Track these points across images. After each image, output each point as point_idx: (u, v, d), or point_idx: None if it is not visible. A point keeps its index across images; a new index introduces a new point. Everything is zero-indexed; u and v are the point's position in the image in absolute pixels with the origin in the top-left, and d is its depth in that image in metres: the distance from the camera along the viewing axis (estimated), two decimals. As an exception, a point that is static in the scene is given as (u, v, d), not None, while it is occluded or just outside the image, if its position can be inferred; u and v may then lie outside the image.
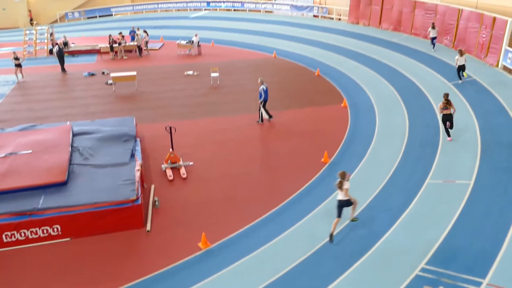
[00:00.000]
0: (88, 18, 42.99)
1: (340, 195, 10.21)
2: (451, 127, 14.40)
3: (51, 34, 29.65)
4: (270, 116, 17.42)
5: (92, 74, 24.86)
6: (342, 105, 19.06)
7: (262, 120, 17.35)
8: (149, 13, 43.60)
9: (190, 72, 24.69)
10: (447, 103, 14.09)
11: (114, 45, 28.28)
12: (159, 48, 31.27)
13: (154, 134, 16.46)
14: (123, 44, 28.49)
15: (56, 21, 42.49)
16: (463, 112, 17.21)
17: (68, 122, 16.04)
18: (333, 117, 17.85)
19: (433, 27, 25.23)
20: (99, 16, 42.98)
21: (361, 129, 16.48)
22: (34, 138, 14.00)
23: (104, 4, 43.76)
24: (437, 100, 18.56)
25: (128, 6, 43.33)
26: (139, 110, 19.11)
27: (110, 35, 29.07)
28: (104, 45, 29.16)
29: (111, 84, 22.38)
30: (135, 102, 20.27)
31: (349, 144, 15.39)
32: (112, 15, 43.13)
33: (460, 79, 20.12)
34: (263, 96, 17.02)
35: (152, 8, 43.83)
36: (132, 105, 19.83)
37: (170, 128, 14.35)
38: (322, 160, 14.25)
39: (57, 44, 24.91)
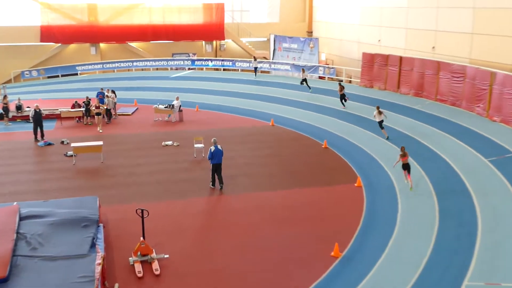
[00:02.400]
0: (49, 77, 44.20)
1: None
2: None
3: (4, 97, 30.25)
4: (213, 184, 18.99)
5: (49, 144, 25.05)
6: (356, 184, 19.11)
7: (213, 184, 18.98)
8: (122, 72, 44.94)
9: (169, 143, 24.95)
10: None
11: (78, 109, 29.00)
12: (133, 113, 31.86)
13: (121, 218, 16.24)
14: (91, 108, 29.13)
15: (9, 81, 43.58)
16: (504, 194, 17.24)
17: (14, 203, 15.84)
18: (345, 199, 17.83)
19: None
20: (62, 76, 44.25)
21: (380, 215, 16.37)
22: (-30, 222, 13.73)
23: (68, 62, 45.20)
24: (472, 180, 18.66)
25: (97, 64, 44.73)
26: (104, 188, 19.03)
27: (76, 101, 29.86)
28: (65, 109, 29.71)
29: (71, 155, 22.49)
30: (100, 178, 20.23)
31: (365, 233, 15.20)
32: (77, 74, 44.40)
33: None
34: (211, 158, 18.56)
35: (125, 67, 45.29)
36: (95, 182, 19.77)
37: (142, 211, 14.18)
38: (332, 253, 13.99)
39: (38, 108, 25.61)
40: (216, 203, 17.65)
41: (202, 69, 44.87)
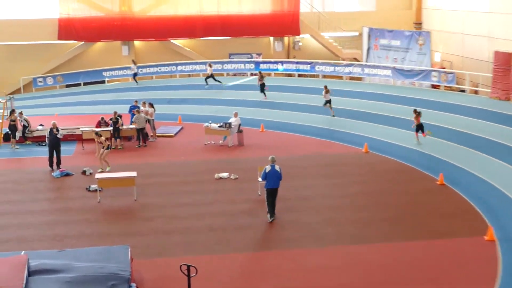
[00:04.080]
0: (68, 86, 45.95)
1: None
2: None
3: (11, 112, 31.58)
4: (271, 216, 20.21)
5: (67, 174, 25.89)
6: (486, 237, 18.63)
7: (272, 216, 20.27)
8: (162, 78, 46.06)
9: (225, 175, 25.27)
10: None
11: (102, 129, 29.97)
12: (176, 133, 32.58)
13: (160, 276, 16.48)
14: (120, 127, 30.00)
15: (18, 91, 45.65)
16: None
17: (22, 252, 16.38)
18: (469, 259, 17.39)
19: None
20: (85, 84, 45.88)
21: (521, 282, 15.87)
22: (-34, 276, 14.33)
23: (93, 66, 46.87)
24: None
25: (130, 68, 45.99)
26: (138, 235, 19.42)
27: (102, 118, 30.92)
28: (88, 128, 30.75)
29: (96, 190, 23.16)
30: (133, 222, 20.65)
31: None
32: (104, 81, 45.90)
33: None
34: (265, 179, 19.93)
35: (167, 72, 46.43)
36: (126, 227, 20.20)
37: (188, 267, 14.35)
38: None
39: (55, 126, 26.74)
40: (289, 260, 17.61)
41: (269, 74, 45.30)
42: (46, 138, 27.24)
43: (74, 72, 46.15)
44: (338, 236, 19.20)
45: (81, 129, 30.89)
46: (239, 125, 30.39)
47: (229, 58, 47.41)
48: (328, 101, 34.01)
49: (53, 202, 23.05)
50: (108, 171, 25.38)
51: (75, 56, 47.21)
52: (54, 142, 26.70)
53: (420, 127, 28.51)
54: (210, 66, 42.09)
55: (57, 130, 26.83)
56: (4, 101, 34.41)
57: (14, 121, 30.93)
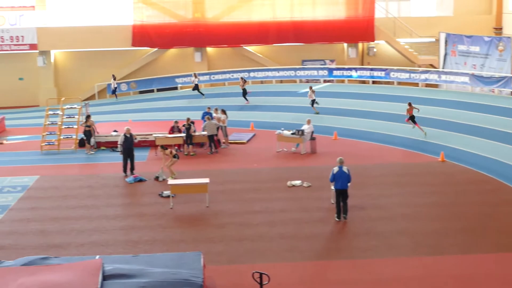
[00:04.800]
0: (141, 92, 47.00)
1: None
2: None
3: (87, 118, 32.44)
4: (338, 216, 21.13)
5: (140, 180, 26.54)
6: None
7: (339, 217, 21.13)
8: (235, 85, 46.43)
9: (297, 183, 25.34)
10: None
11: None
12: (248, 140, 32.92)
13: (233, 284, 16.66)
14: (193, 134, 30.45)
15: (92, 97, 46.99)
16: None
17: (97, 256, 16.87)
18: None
19: None
20: (158, 90, 46.83)
21: None
22: (44, 279, 14.73)
23: (166, 72, 47.78)
24: None
25: (203, 74, 46.65)
26: (210, 241, 19.68)
27: (175, 123, 31.44)
28: (161, 134, 31.36)
29: (168, 196, 23.57)
30: (204, 228, 20.97)
31: None
32: (177, 88, 46.69)
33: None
34: (333, 181, 20.96)
35: (238, 79, 46.79)
36: (199, 233, 20.52)
37: (261, 275, 14.45)
38: None
39: (129, 132, 27.47)
40: (363, 270, 17.51)
41: (343, 81, 45.15)
42: (119, 145, 27.73)
43: (148, 79, 47.11)
44: (414, 247, 19.01)
45: (154, 135, 31.50)
46: (312, 132, 30.42)
47: (302, 65, 47.47)
48: (313, 101, 37.07)
49: (127, 207, 23.61)
50: (174, 178, 25.78)
51: (148, 63, 48.12)
52: (128, 148, 27.34)
53: (411, 118, 31.56)
54: (196, 76, 43.29)
55: (131, 136, 27.44)
56: (79, 107, 35.53)
57: (89, 126, 31.78)
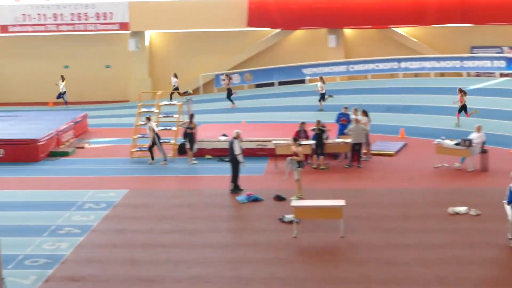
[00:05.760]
0: (258, 86, 47.40)
1: None
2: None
3: (191, 118, 32.48)
4: None
5: (255, 199, 26.51)
6: None
7: None
8: (380, 79, 46.06)
9: (462, 209, 24.73)
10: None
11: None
12: (397, 151, 32.51)
13: None
14: (325, 140, 30.30)
15: (196, 90, 47.76)
16: None
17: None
18: None
19: None
20: (280, 84, 47.16)
21: None
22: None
23: (290, 61, 47.96)
24: None
25: (338, 64, 46.54)
26: (344, 282, 19.42)
27: (301, 126, 31.23)
28: (282, 140, 31.17)
29: (291, 222, 23.48)
30: (337, 265, 20.67)
31: None
32: (304, 81, 46.72)
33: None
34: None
35: (386, 70, 46.51)
36: (329, 271, 20.23)
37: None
38: None
39: (238, 136, 27.66)
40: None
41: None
42: (231, 153, 27.79)
43: (266, 69, 47.50)
44: None
45: (274, 142, 31.46)
46: (483, 142, 29.71)
47: (471, 53, 46.48)
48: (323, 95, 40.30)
49: (237, 234, 23.70)
50: (300, 198, 25.77)
51: (267, 48, 48.53)
52: (232, 157, 27.38)
53: (463, 108, 33.68)
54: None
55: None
56: (180, 103, 35.55)
57: (192, 128, 31.91)
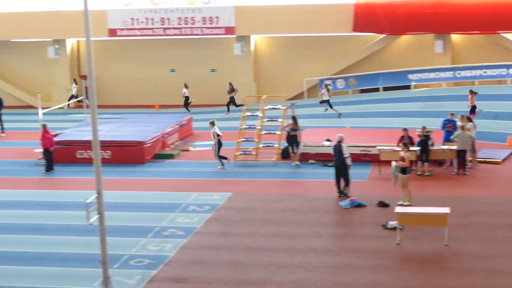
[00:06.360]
0: (362, 91, 47.30)
1: None
2: None
3: (294, 120, 32.88)
4: None
5: (359, 205, 26.53)
6: None
7: None
8: (487, 85, 45.22)
9: None
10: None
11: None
12: (504, 159, 32.11)
13: None
14: (431, 147, 30.02)
15: (301, 95, 47.97)
16: None
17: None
18: None
19: None
20: (385, 89, 46.92)
21: None
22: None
23: (395, 66, 47.66)
24: None
25: (444, 70, 45.94)
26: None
27: (405, 129, 30.89)
28: (387, 146, 31.15)
29: (395, 228, 23.34)
30: (441, 273, 20.51)
31: None
32: (409, 87, 46.32)
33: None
34: None
35: (495, 76, 45.68)
36: (432, 279, 20.12)
37: None
38: None
39: (341, 140, 27.72)
40: None
41: None
42: (335, 158, 27.73)
43: (371, 74, 47.28)
44: None
45: (378, 147, 31.42)
46: None
47: None
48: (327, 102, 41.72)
49: (340, 239, 23.70)
50: (407, 205, 25.57)
51: (373, 53, 48.35)
52: (341, 160, 27.42)
53: (473, 109, 34.07)
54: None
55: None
56: (284, 107, 35.79)
57: (296, 130, 32.36)
